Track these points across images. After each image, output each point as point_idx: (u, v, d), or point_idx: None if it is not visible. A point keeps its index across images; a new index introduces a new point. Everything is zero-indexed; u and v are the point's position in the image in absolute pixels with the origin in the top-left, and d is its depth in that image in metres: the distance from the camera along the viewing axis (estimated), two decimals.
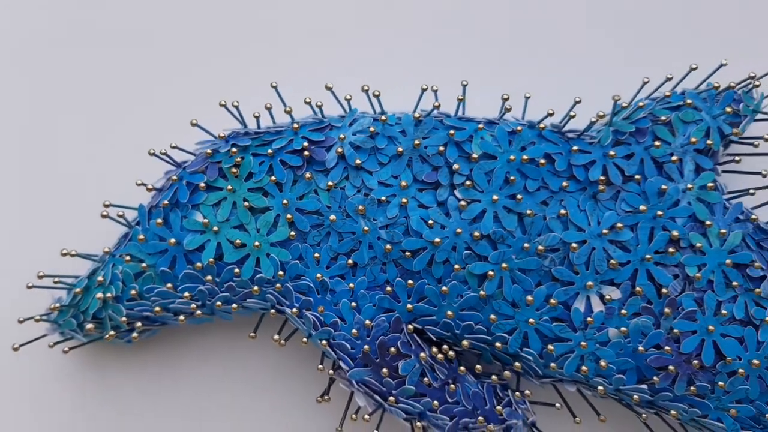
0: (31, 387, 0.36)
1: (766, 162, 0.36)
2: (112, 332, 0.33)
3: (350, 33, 0.39)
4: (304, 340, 0.33)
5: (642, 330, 0.32)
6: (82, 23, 0.40)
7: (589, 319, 0.32)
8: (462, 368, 0.33)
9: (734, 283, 0.32)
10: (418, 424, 0.32)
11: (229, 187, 0.33)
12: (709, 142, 0.33)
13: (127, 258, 0.34)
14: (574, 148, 0.33)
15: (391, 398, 0.32)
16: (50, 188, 0.38)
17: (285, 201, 0.34)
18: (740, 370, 0.32)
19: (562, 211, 0.33)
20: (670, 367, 0.32)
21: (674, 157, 0.33)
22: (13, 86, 0.40)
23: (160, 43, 0.39)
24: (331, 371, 0.32)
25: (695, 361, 0.32)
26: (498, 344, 0.32)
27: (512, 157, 0.34)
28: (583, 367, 0.33)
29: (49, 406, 0.36)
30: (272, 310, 0.33)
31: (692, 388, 0.32)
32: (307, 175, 0.33)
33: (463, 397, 0.33)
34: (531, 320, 0.32)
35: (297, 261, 0.33)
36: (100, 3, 0.40)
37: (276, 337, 0.33)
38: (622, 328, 0.32)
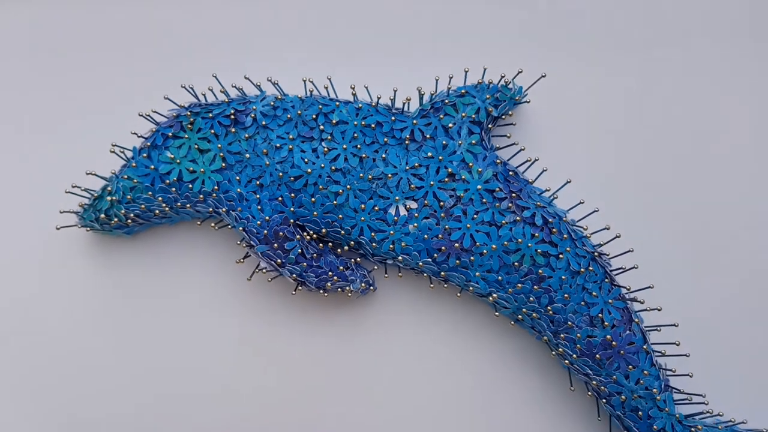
0: (60, 262, 0.55)
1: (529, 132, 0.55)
2: (115, 219, 0.52)
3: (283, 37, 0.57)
4: (229, 227, 0.52)
5: (428, 226, 0.50)
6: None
7: (395, 218, 0.50)
8: (320, 245, 0.51)
9: (484, 200, 0.50)
10: (294, 276, 0.50)
11: (186, 136, 0.51)
12: (473, 115, 0.52)
13: (125, 177, 0.52)
14: (393, 118, 0.52)
15: (279, 261, 0.50)
16: (79, 139, 0.57)
17: (219, 146, 0.51)
18: (484, 251, 0.50)
19: (384, 156, 0.50)
20: (443, 248, 0.50)
21: (450, 125, 0.51)
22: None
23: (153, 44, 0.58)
24: (246, 246, 0.52)
25: (457, 245, 0.50)
26: (342, 232, 0.51)
27: (356, 122, 0.51)
28: (391, 246, 0.50)
29: (71, 277, 0.55)
30: (210, 209, 0.52)
31: (458, 261, 0.50)
32: (233, 130, 0.51)
33: (324, 264, 0.51)
34: (363, 218, 0.50)
35: (226, 181, 0.51)
36: None
37: (213, 224, 0.53)
38: (415, 224, 0.50)
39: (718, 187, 0.54)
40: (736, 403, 0.51)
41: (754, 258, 0.53)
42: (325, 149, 0.51)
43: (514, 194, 0.50)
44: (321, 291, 0.51)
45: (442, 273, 0.51)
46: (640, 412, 0.49)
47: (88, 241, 0.55)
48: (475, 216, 0.50)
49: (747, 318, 0.53)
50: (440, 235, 0.50)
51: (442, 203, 0.50)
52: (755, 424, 0.50)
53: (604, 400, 0.50)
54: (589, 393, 0.51)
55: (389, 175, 0.50)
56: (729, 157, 0.55)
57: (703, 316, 0.53)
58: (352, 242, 0.51)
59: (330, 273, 0.51)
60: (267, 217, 0.50)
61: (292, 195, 0.51)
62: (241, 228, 0.51)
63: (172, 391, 0.54)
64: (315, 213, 0.51)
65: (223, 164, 0.51)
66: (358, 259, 0.52)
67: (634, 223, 0.53)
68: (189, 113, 0.52)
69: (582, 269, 0.49)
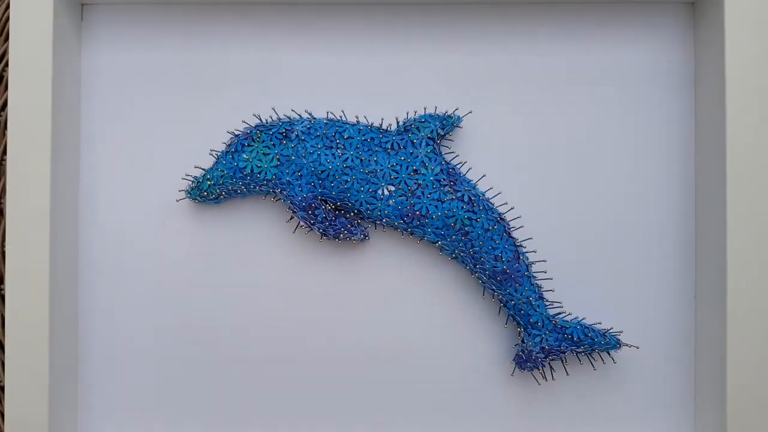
0: (177, 221, 0.74)
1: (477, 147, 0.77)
2: (213, 196, 0.71)
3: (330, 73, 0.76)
4: (281, 200, 0.71)
5: (401, 201, 0.67)
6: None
7: (381, 196, 0.67)
8: (336, 212, 0.71)
9: (434, 186, 0.67)
10: (320, 230, 0.70)
11: (255, 145, 0.68)
12: (429, 134, 0.70)
13: (218, 169, 0.69)
14: (381, 135, 0.69)
15: (311, 222, 0.68)
16: (191, 146, 0.75)
17: (276, 151, 0.68)
18: (434, 216, 0.67)
19: (375, 159, 0.68)
20: (409, 214, 0.68)
21: (415, 140, 0.72)
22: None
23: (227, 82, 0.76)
24: (291, 212, 0.71)
25: (418, 213, 0.68)
26: (350, 204, 0.68)
27: (359, 138, 0.68)
28: (378, 213, 0.68)
29: (182, 230, 0.74)
30: (270, 189, 0.70)
31: (418, 222, 0.67)
32: (284, 142, 0.67)
33: (339, 223, 0.68)
34: (362, 196, 0.67)
35: (280, 173, 0.67)
36: None
37: (272, 198, 0.71)
38: (393, 200, 0.67)
39: (586, 165, 0.73)
40: (581, 307, 0.73)
41: (600, 210, 0.74)
42: (340, 154, 0.68)
43: (452, 182, 0.69)
44: (336, 239, 0.70)
45: (409, 229, 0.69)
46: (523, 311, 0.71)
47: (193, 207, 0.75)
48: (429, 195, 0.68)
49: (591, 254, 0.75)
50: (408, 207, 0.67)
51: (409, 188, 0.68)
52: (591, 320, 0.72)
53: (502, 304, 0.71)
54: (494, 299, 0.73)
55: (378, 170, 0.68)
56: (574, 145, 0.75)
57: (561, 255, 0.74)
58: (356, 210, 0.69)
59: (342, 228, 0.69)
60: (304, 195, 0.68)
61: (320, 182, 0.68)
62: (288, 201, 0.69)
63: (238, 303, 0.75)
64: (333, 193, 0.68)
65: (278, 163, 0.68)
66: (359, 220, 0.71)
67: (524, 200, 0.73)
68: (257, 131, 0.70)
69: (491, 227, 0.68)
